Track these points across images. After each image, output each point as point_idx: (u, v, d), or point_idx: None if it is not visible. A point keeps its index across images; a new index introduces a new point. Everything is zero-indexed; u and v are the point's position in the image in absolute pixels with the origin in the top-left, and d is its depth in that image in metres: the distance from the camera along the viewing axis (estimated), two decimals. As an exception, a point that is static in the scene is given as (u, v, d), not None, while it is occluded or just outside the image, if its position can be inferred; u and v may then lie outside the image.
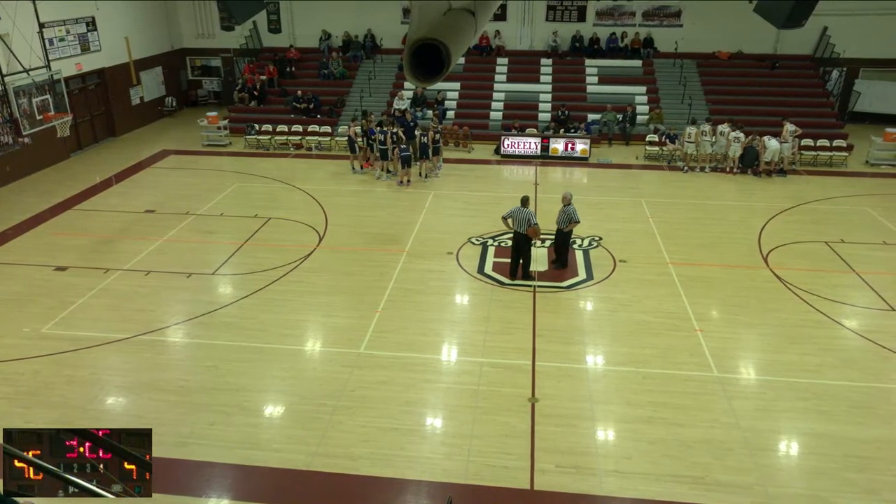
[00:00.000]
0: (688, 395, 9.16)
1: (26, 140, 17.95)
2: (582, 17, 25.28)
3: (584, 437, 8.37)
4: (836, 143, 20.21)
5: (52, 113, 17.39)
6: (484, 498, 7.49)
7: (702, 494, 7.46)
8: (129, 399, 9.18)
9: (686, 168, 19.37)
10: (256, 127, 22.01)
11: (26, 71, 16.92)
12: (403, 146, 17.84)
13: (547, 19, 25.43)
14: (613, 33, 25.06)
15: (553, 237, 13.25)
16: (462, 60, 23.43)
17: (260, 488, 7.65)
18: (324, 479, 7.73)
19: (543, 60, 24.95)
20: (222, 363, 9.90)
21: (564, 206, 12.67)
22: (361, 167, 19.06)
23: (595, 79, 24.14)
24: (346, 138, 19.19)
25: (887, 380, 9.64)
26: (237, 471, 7.85)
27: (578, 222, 12.74)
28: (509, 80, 24.41)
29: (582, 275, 12.76)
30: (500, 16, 25.18)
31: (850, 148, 20.22)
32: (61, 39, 20.07)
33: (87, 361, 9.95)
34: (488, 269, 12.96)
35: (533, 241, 12.48)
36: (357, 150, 18.92)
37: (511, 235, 12.67)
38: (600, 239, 14.28)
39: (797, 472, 7.90)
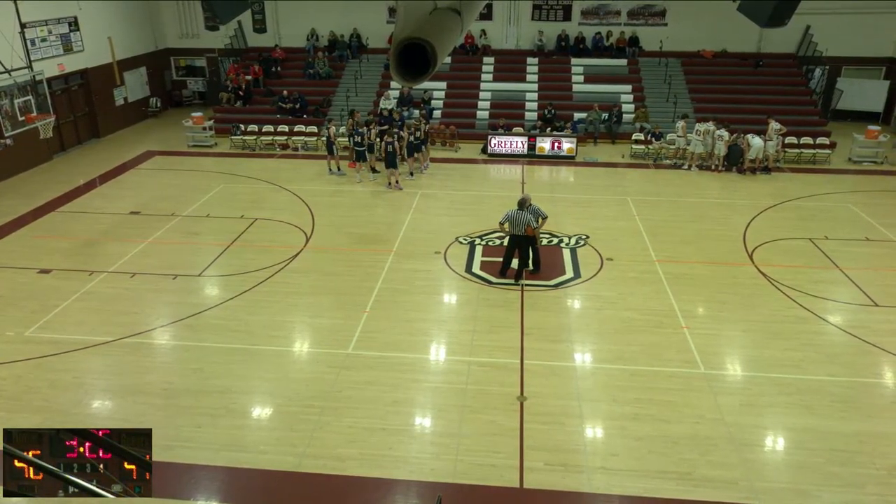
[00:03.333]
0: (674, 392, 9.23)
1: (8, 142, 17.73)
2: (567, 17, 25.35)
3: (571, 435, 8.41)
4: (819, 140, 20.40)
5: (35, 114, 17.13)
6: (473, 497, 7.50)
7: (688, 490, 7.52)
8: (114, 402, 9.10)
9: (675, 163, 19.50)
10: (242, 127, 21.86)
11: (8, 72, 16.68)
12: (391, 142, 17.59)
13: (533, 18, 25.47)
14: (599, 32, 25.16)
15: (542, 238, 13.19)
16: (448, 60, 23.42)
17: (247, 490, 7.63)
18: (312, 480, 7.71)
19: (529, 59, 25.00)
20: (208, 365, 9.84)
21: (527, 207, 12.16)
22: (339, 168, 18.90)
23: (581, 78, 24.21)
24: (326, 139, 18.99)
25: (869, 374, 9.76)
26: (224, 473, 7.81)
27: (536, 226, 12.17)
28: (496, 80, 24.43)
29: (569, 273, 12.81)
30: (486, 15, 25.18)
31: (832, 145, 20.41)
32: (43, 40, 19.85)
33: (70, 365, 9.85)
34: (476, 268, 12.97)
35: (536, 243, 12.29)
36: (335, 151, 18.78)
37: (504, 236, 12.57)
38: (587, 237, 14.34)
39: (782, 466, 7.98)
